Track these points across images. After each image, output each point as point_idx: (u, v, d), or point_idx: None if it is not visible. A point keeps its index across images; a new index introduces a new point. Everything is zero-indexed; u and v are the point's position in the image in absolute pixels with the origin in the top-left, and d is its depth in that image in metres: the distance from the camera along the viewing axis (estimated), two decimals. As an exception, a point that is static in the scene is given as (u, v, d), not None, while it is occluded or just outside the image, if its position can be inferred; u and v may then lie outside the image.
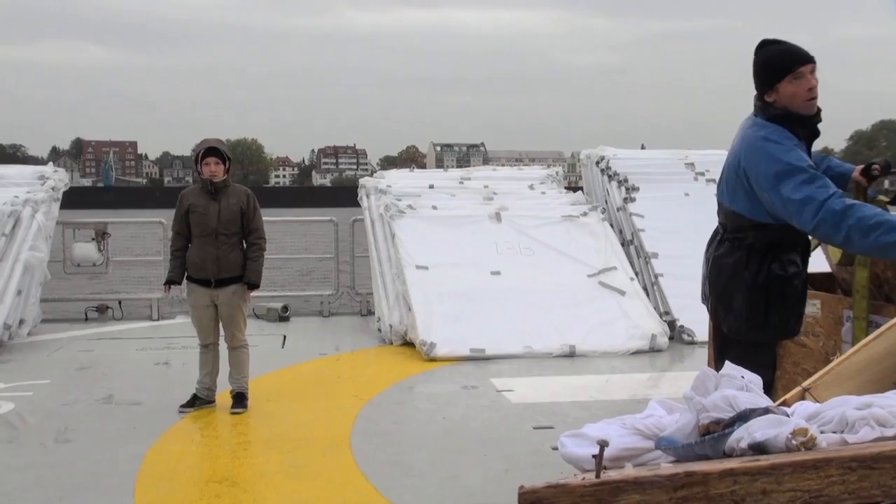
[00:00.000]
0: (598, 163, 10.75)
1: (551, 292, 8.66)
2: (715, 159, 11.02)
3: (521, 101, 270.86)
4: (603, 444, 1.77)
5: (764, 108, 3.57)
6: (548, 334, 8.07)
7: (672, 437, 2.00)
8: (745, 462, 1.78)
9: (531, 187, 11.00)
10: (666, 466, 1.82)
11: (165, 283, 6.17)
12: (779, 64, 3.51)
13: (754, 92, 3.65)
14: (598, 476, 1.81)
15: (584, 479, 1.82)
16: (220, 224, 5.89)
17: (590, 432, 2.13)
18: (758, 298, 3.53)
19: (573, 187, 12.29)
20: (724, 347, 3.69)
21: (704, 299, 3.89)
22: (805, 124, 3.55)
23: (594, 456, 1.82)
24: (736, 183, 3.61)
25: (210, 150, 5.92)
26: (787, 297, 3.56)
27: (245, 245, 6.03)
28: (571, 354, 7.90)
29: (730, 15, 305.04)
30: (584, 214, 9.83)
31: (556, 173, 11.81)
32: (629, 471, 1.80)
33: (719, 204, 3.81)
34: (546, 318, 8.29)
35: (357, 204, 10.65)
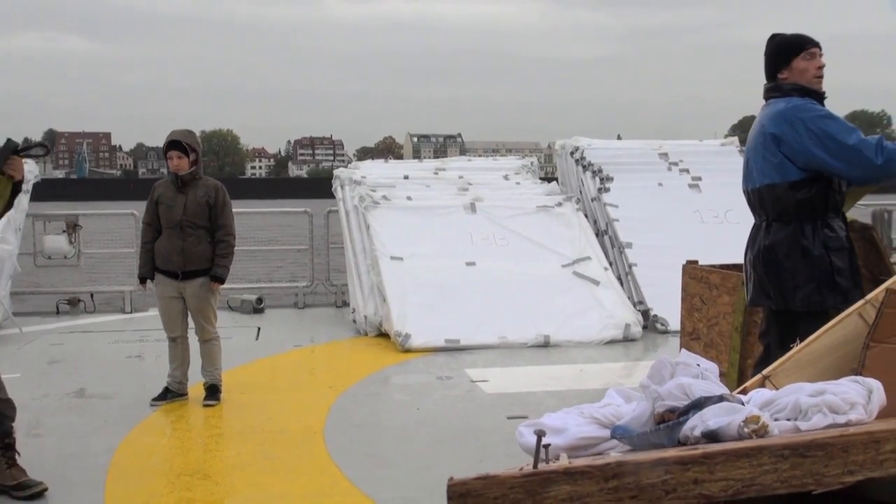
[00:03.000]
0: (572, 153, 10.78)
1: (526, 282, 8.69)
2: (688, 150, 11.15)
3: (499, 93, 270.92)
4: (540, 434, 1.78)
5: (777, 87, 3.94)
6: (522, 324, 8.11)
7: (628, 425, 2.02)
8: (678, 451, 1.80)
9: (506, 178, 11.02)
10: (597, 457, 1.84)
11: (140, 281, 6.13)
12: (794, 43, 3.96)
13: (761, 84, 4.00)
14: (535, 466, 1.82)
15: (521, 469, 1.84)
16: (186, 216, 5.85)
17: (548, 422, 2.15)
18: (821, 264, 3.75)
19: (549, 178, 12.32)
20: (792, 327, 3.77)
21: (761, 296, 3.97)
22: (815, 100, 3.88)
23: (545, 446, 1.83)
24: (763, 161, 3.86)
25: (172, 144, 5.89)
26: (849, 258, 3.81)
27: (213, 239, 5.99)
28: (546, 344, 7.95)
29: (713, 6, 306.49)
30: (559, 205, 9.86)
31: (531, 164, 11.83)
32: (562, 461, 1.81)
33: (752, 193, 4.00)
34: (521, 309, 8.33)
35: (333, 196, 10.62)
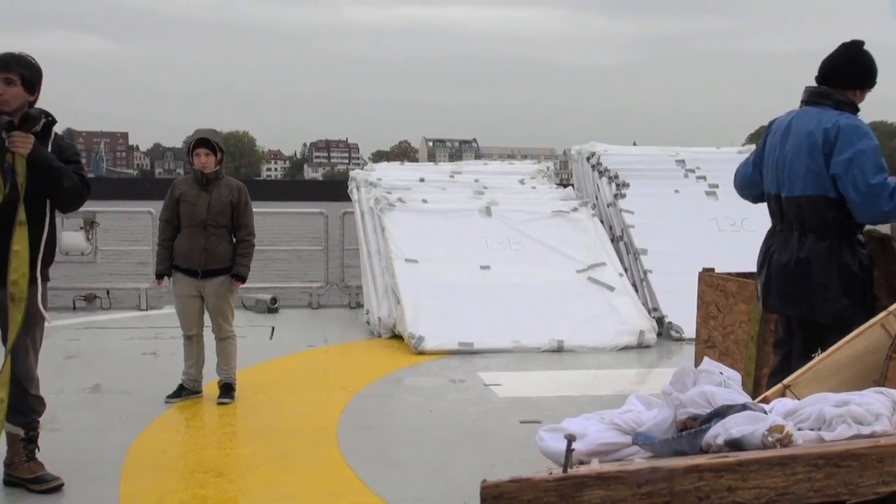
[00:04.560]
0: (588, 158, 10.75)
1: (540, 287, 8.67)
2: (705, 157, 11.09)
3: (515, 98, 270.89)
4: (570, 439, 1.78)
5: (828, 95, 3.91)
6: (536, 329, 8.09)
7: (649, 432, 2.01)
8: (711, 458, 1.79)
9: (522, 182, 11.00)
10: (631, 462, 1.83)
11: (157, 277, 6.14)
12: (874, 75, 3.99)
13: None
14: (565, 471, 1.82)
15: (550, 473, 1.83)
16: (210, 215, 5.87)
17: (568, 427, 2.14)
18: (856, 281, 3.78)
19: (564, 184, 12.30)
20: (817, 338, 3.78)
21: (785, 304, 3.96)
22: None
23: (570, 451, 1.82)
24: (807, 171, 3.83)
25: (200, 141, 5.91)
26: (871, 276, 3.86)
27: (234, 239, 6.02)
28: (559, 349, 7.92)
29: (729, 15, 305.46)
30: (575, 210, 9.84)
31: (548, 168, 11.81)
32: (594, 466, 1.80)
33: (788, 201, 3.96)
34: (535, 313, 8.30)
35: (348, 198, 10.64)
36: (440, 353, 7.70)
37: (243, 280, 6.04)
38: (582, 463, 1.82)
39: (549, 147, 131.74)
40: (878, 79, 4.03)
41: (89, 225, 10.42)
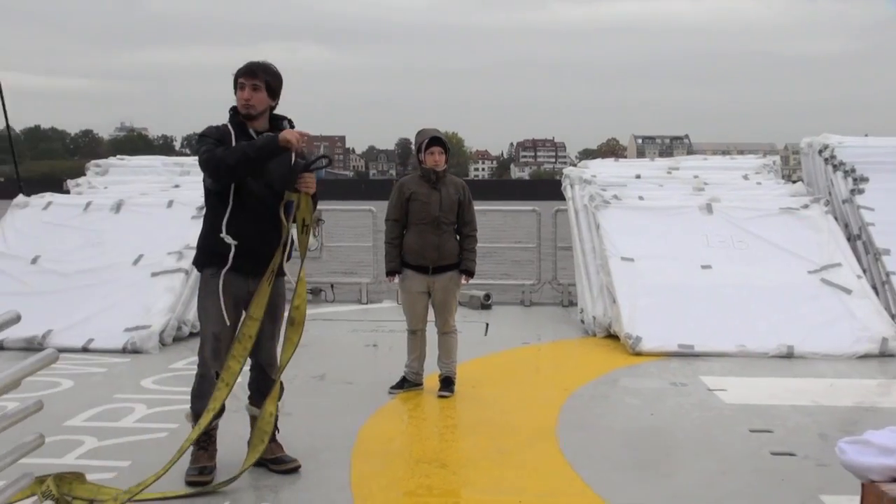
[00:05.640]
0: (821, 151, 10.03)
1: (767, 288, 8.17)
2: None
3: (728, 92, 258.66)
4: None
5: None
6: (763, 333, 7.62)
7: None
8: None
9: (745, 177, 10.45)
10: None
11: (389, 274, 6.24)
12: None
13: None
14: None
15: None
16: (442, 212, 5.99)
17: (876, 440, 1.92)
18: None
19: (794, 179, 11.53)
20: None
21: None
22: None
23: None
24: None
25: (435, 140, 6.04)
26: None
27: (459, 235, 6.11)
28: (789, 355, 7.42)
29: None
30: (805, 207, 9.19)
31: (773, 163, 11.13)
32: None
33: None
34: (761, 316, 7.84)
35: (555, 197, 10.59)
36: (658, 355, 7.44)
37: (472, 275, 6.13)
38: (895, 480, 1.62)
39: (768, 142, 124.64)
40: None
41: (316, 223, 11.02)
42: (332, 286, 11.10)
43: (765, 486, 4.30)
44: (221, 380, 4.15)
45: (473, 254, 6.11)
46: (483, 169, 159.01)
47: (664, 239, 8.88)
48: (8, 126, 13.58)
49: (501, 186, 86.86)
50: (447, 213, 6.00)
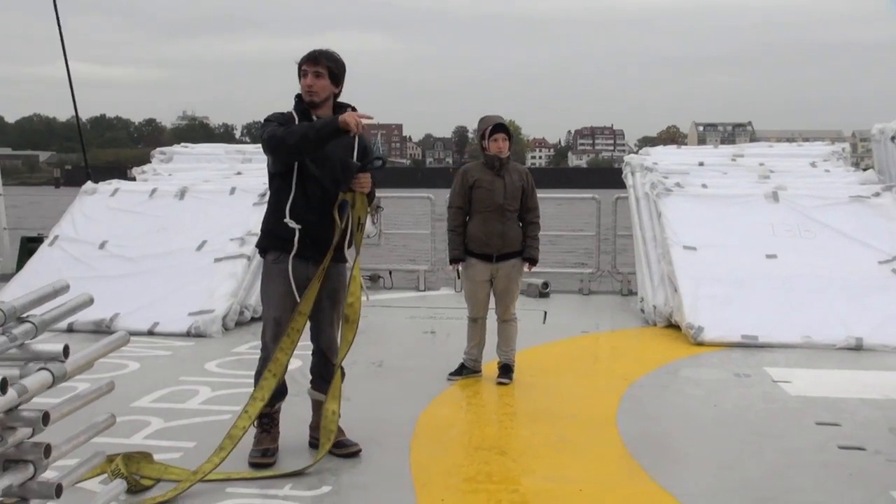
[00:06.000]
0: (893, 138, 9.70)
1: (835, 279, 7.95)
2: None
3: (792, 79, 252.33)
4: None
5: None
6: (830, 324, 7.42)
7: None
8: None
9: (813, 165, 10.18)
10: None
11: (452, 262, 6.17)
12: None
13: None
14: None
15: None
16: (506, 200, 5.93)
17: None
18: None
19: (865, 167, 11.19)
20: None
21: None
22: None
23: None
24: None
25: (499, 126, 5.99)
26: None
27: (521, 222, 6.06)
28: (858, 348, 7.21)
29: None
30: (877, 195, 8.92)
31: (843, 150, 10.80)
32: None
33: None
34: (828, 307, 7.64)
35: (613, 185, 10.47)
36: (721, 346, 7.30)
37: (535, 262, 6.08)
38: None
39: (834, 129, 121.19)
40: None
41: (374, 210, 11.07)
42: (390, 273, 11.16)
43: (832, 481, 4.19)
44: (269, 370, 4.21)
45: (537, 241, 6.06)
46: (540, 157, 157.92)
47: (728, 227, 8.70)
48: (77, 115, 13.94)
49: (558, 174, 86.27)
50: (511, 200, 5.94)
